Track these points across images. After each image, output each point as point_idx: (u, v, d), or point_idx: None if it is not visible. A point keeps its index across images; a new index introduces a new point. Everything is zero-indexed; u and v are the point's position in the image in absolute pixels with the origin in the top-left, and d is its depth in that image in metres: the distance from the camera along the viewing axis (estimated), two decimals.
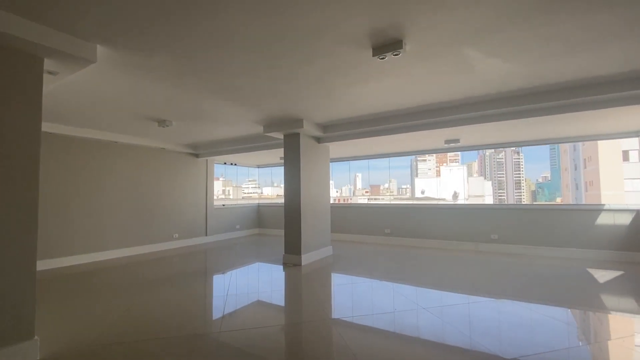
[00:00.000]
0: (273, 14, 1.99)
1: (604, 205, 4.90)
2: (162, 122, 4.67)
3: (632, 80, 3.02)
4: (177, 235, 6.64)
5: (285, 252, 4.94)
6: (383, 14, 2.00)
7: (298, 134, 4.92)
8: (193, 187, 7.12)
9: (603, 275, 3.98)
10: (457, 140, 5.26)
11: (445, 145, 5.44)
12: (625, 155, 23.95)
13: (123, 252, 5.65)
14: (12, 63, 2.09)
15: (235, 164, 8.45)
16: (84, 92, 3.38)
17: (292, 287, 3.85)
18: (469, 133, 4.89)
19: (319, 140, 5.42)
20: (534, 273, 4.13)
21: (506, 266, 4.56)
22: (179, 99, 3.65)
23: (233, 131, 5.48)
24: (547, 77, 3.04)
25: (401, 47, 2.31)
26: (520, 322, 2.61)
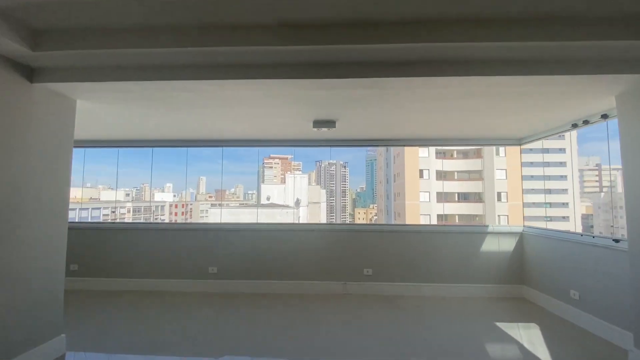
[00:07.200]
0: None
1: (487, 226, 3.98)
2: None
3: None
4: None
5: None
6: None
7: None
8: None
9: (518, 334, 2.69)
10: (332, 123, 3.19)
11: (314, 128, 3.29)
12: (421, 174, 30.77)
13: None
14: None
15: None
16: None
17: None
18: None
19: (29, 73, 2.12)
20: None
21: (367, 322, 2.76)
22: None
23: None
24: None
25: None
26: None
